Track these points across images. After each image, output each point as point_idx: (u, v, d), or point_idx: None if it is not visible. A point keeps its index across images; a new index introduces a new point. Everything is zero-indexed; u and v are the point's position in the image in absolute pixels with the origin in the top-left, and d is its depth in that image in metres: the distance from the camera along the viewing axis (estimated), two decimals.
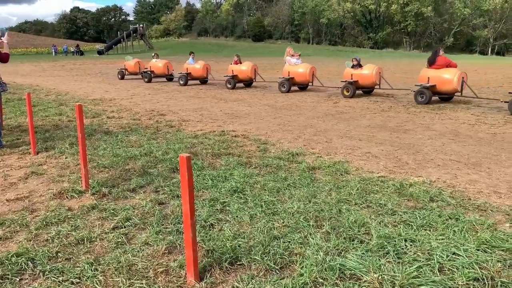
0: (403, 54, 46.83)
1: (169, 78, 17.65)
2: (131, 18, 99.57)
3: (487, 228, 3.26)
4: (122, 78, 18.84)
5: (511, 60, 39.63)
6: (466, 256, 2.82)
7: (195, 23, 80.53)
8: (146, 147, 5.91)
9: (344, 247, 2.98)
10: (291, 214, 3.56)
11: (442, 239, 3.09)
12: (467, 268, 2.67)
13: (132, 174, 4.71)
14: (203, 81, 16.45)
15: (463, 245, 2.97)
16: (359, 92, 12.54)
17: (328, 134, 6.98)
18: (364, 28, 57.16)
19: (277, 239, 3.10)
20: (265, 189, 4.15)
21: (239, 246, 2.98)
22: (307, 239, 3.09)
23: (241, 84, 15.24)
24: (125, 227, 3.35)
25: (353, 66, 12.31)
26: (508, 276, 2.59)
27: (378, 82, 11.96)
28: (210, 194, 4.01)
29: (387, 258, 2.81)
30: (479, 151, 5.77)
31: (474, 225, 3.33)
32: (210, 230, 3.28)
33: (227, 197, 3.92)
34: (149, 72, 17.29)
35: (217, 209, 3.66)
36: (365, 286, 2.51)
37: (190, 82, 16.13)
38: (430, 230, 3.24)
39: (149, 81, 17.17)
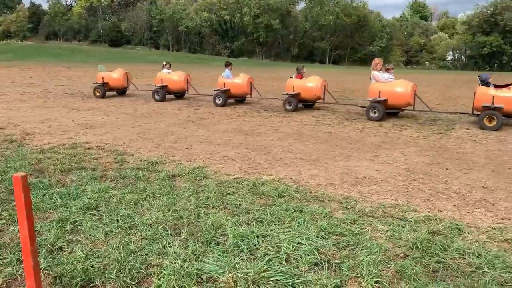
0: (257, 62, 49.92)
1: (180, 95, 13.43)
2: None
3: (324, 217, 3.66)
4: (103, 96, 13.27)
5: (343, 68, 45.76)
6: (308, 244, 3.12)
7: (42, 25, 72.09)
8: None
9: (201, 251, 3.01)
10: (150, 225, 3.45)
11: (289, 231, 3.36)
12: (308, 255, 2.95)
13: None
14: (242, 100, 12.58)
15: (305, 234, 3.28)
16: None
17: (188, 140, 6.98)
18: (221, 37, 59.02)
19: (134, 253, 2.96)
20: (122, 203, 3.94)
21: (92, 267, 2.75)
22: (165, 249, 3.03)
23: (112, 92, 13.75)
24: None
25: (485, 83, 8.78)
26: (341, 257, 2.95)
27: None
28: (59, 215, 3.61)
29: (241, 256, 2.93)
30: (318, 148, 6.48)
31: (314, 215, 3.70)
32: (59, 254, 2.95)
33: (78, 216, 3.59)
34: (162, 87, 12.65)
35: (67, 230, 3.32)
36: (221, 287, 2.57)
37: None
38: (278, 224, 3.49)
39: (162, 99, 12.55)
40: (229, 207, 3.88)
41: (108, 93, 13.60)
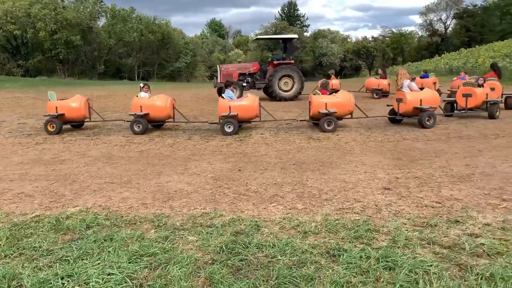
0: (59, 82, 44.79)
1: (158, 124, 10.35)
2: None
3: (136, 240, 3.54)
4: (59, 131, 9.76)
5: (154, 85, 45.51)
6: (119, 272, 2.96)
7: None
8: None
9: None
10: None
11: (99, 263, 3.12)
12: (120, 284, 2.80)
13: None
14: (244, 123, 10.07)
15: (116, 263, 3.11)
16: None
17: None
18: (11, 54, 50.54)
19: None
20: None
21: None
22: None
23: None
24: None
25: None
26: (153, 278, 2.90)
27: None
28: None
29: None
30: (129, 169, 6.24)
31: (126, 240, 3.54)
32: None
33: None
34: (142, 116, 9.66)
35: None
36: None
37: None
38: (87, 259, 3.21)
39: (144, 131, 9.62)
40: (26, 252, 3.35)
41: None
